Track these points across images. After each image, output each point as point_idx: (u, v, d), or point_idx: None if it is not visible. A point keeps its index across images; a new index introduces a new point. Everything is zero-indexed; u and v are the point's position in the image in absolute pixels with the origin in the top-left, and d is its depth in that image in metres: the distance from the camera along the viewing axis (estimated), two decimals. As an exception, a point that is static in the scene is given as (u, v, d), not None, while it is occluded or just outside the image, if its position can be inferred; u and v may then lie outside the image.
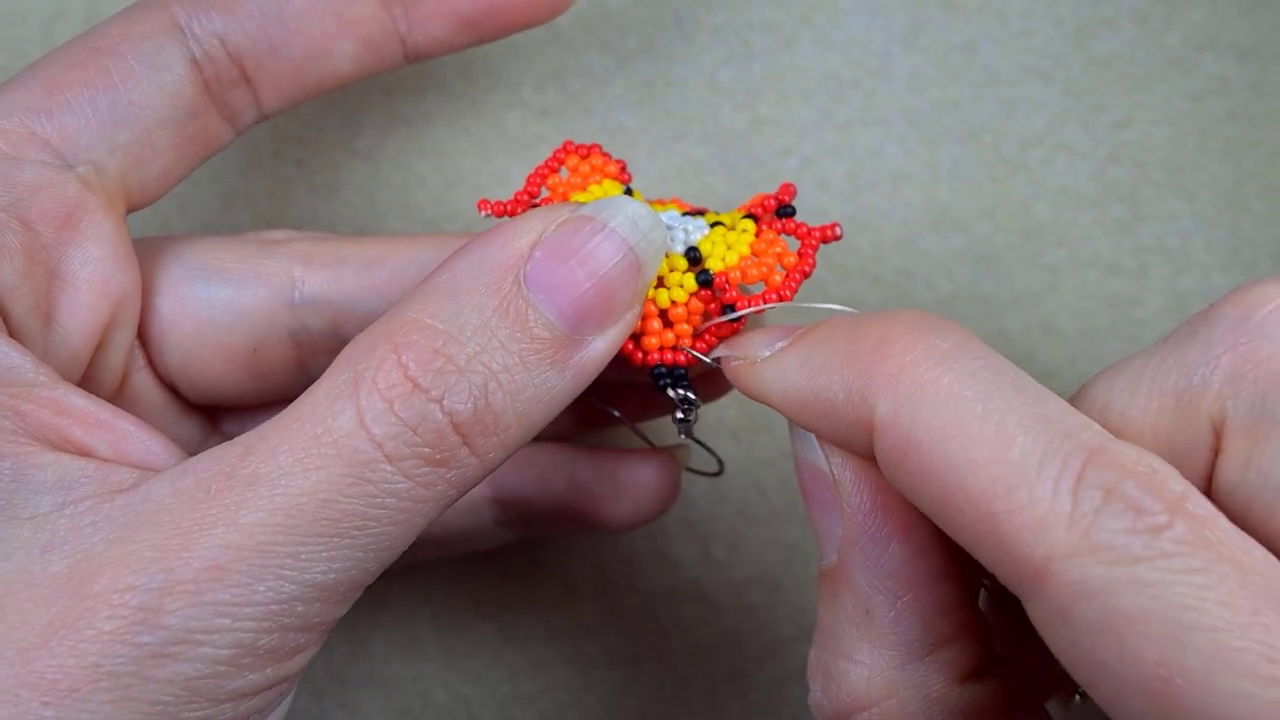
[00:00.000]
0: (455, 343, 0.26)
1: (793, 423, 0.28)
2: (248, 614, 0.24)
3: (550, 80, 0.41)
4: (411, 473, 0.25)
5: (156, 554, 0.24)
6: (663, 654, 0.41)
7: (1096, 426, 0.23)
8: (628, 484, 0.35)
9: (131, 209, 0.32)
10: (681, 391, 0.31)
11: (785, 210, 0.31)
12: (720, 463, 0.37)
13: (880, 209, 0.41)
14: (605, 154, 0.32)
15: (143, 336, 0.33)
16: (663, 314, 0.30)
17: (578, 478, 0.36)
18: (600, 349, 0.27)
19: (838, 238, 0.31)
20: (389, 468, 0.25)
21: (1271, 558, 0.22)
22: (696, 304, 0.30)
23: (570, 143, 0.32)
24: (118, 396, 0.32)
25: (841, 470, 0.27)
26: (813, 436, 0.28)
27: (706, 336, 0.30)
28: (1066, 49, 0.41)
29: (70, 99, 0.30)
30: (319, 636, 0.26)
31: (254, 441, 0.26)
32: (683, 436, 0.32)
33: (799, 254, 0.30)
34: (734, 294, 0.30)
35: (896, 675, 0.26)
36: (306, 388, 0.31)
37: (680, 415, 0.31)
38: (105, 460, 0.27)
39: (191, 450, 0.28)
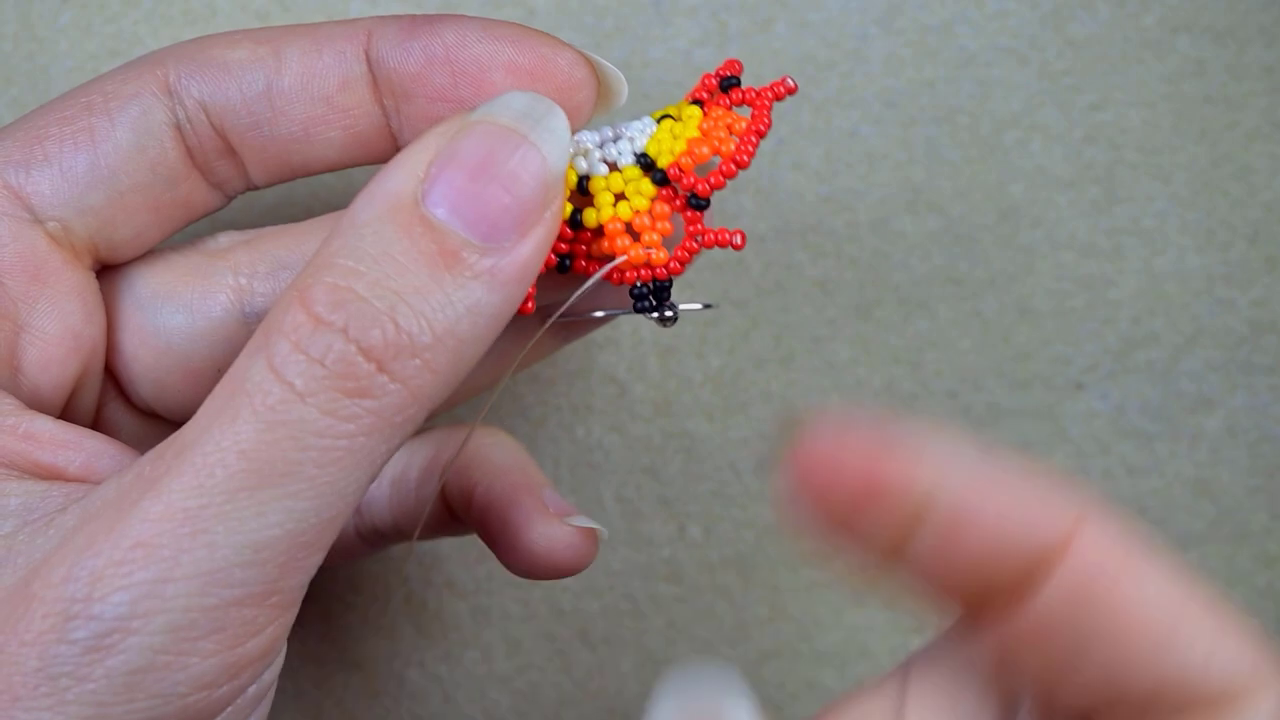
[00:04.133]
0: (355, 274, 0.25)
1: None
2: (176, 590, 0.23)
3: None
4: (328, 407, 0.24)
5: (85, 540, 0.24)
6: (638, 634, 0.41)
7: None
8: (534, 547, 0.33)
9: (100, 264, 0.31)
10: (667, 313, 0.29)
11: (729, 82, 0.29)
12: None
13: (856, 190, 0.41)
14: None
15: (109, 371, 0.32)
16: (629, 228, 0.29)
17: (479, 515, 0.33)
18: (525, 252, 0.26)
19: (792, 90, 0.29)
20: (303, 405, 0.24)
21: None
22: (661, 207, 0.29)
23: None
24: (94, 428, 0.32)
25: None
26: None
27: (687, 243, 0.29)
28: (1043, 31, 0.41)
29: (48, 155, 0.29)
30: (274, 613, 0.25)
31: (189, 421, 0.25)
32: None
33: (751, 115, 0.29)
34: (691, 180, 0.28)
35: None
36: None
37: (663, 323, 0.30)
38: (75, 479, 0.27)
39: None
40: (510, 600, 0.41)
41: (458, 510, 0.34)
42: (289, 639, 0.40)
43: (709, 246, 0.29)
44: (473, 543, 0.41)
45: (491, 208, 0.26)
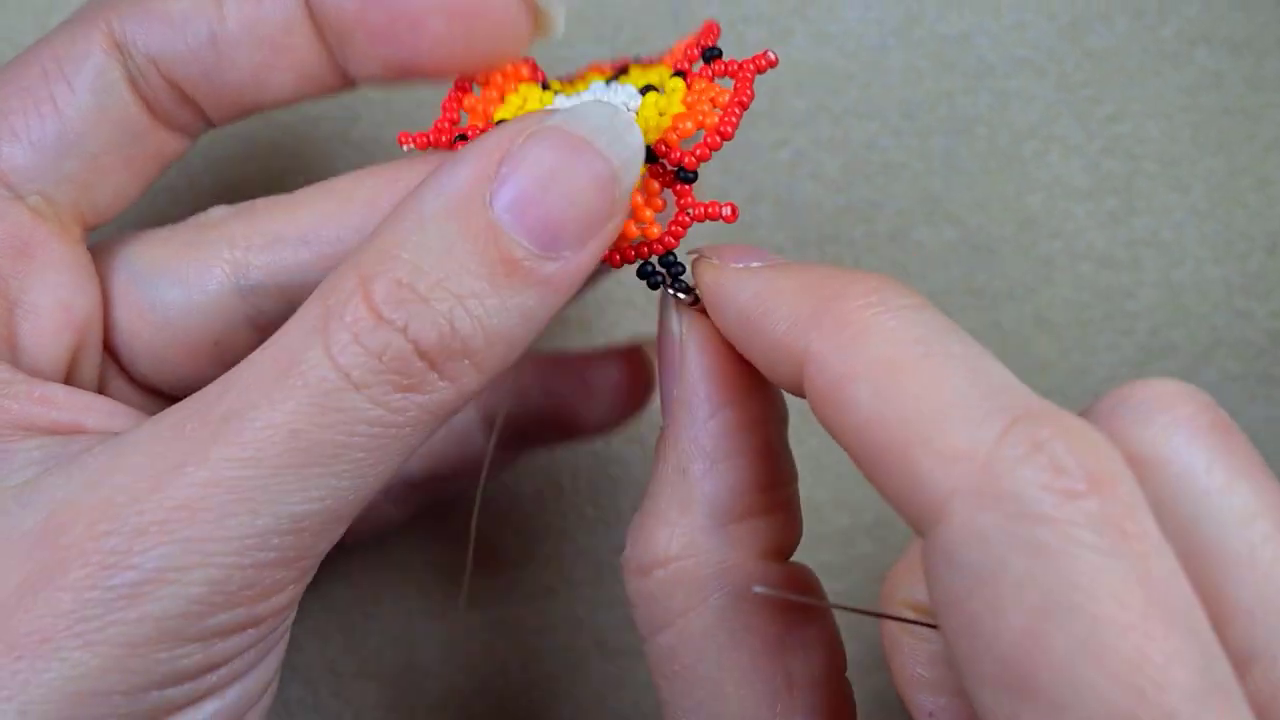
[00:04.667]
0: (418, 272, 0.25)
1: (726, 331, 0.27)
2: (218, 549, 0.24)
3: (544, 71, 0.41)
4: (380, 399, 0.25)
5: (127, 498, 0.24)
6: (655, 645, 0.41)
7: (1043, 400, 0.22)
8: (599, 387, 0.35)
9: (88, 229, 0.31)
10: (683, 281, 0.29)
11: (711, 54, 0.29)
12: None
13: (874, 201, 0.41)
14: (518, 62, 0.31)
15: (108, 348, 0.32)
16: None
17: (550, 386, 0.35)
18: (579, 262, 0.26)
19: (773, 63, 0.29)
20: (357, 395, 0.25)
21: (1185, 584, 0.20)
22: (652, 184, 0.29)
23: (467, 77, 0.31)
24: None
25: (689, 334, 0.28)
26: (673, 305, 0.28)
27: (679, 216, 0.29)
28: (1061, 42, 0.41)
29: (15, 130, 0.30)
30: (299, 574, 0.26)
31: (229, 380, 0.25)
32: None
33: (734, 88, 0.29)
34: (679, 154, 0.28)
35: (698, 538, 0.27)
36: None
37: (692, 299, 0.29)
38: (97, 433, 0.27)
39: None
40: (528, 611, 0.41)
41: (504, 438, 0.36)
42: (309, 651, 0.40)
43: (699, 220, 0.29)
44: (490, 554, 0.41)
45: (556, 218, 0.26)
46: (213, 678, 0.26)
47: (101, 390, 0.32)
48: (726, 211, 0.29)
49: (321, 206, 0.32)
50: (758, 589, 0.27)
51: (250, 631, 0.26)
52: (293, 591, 0.26)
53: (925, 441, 0.21)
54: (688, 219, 0.29)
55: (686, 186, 0.29)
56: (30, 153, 0.30)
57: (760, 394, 0.28)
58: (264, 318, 0.32)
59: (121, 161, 0.31)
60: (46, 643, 0.24)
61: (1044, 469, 0.20)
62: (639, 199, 0.29)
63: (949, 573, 0.21)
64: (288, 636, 0.28)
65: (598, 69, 0.31)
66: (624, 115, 0.27)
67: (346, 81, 0.32)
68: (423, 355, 0.25)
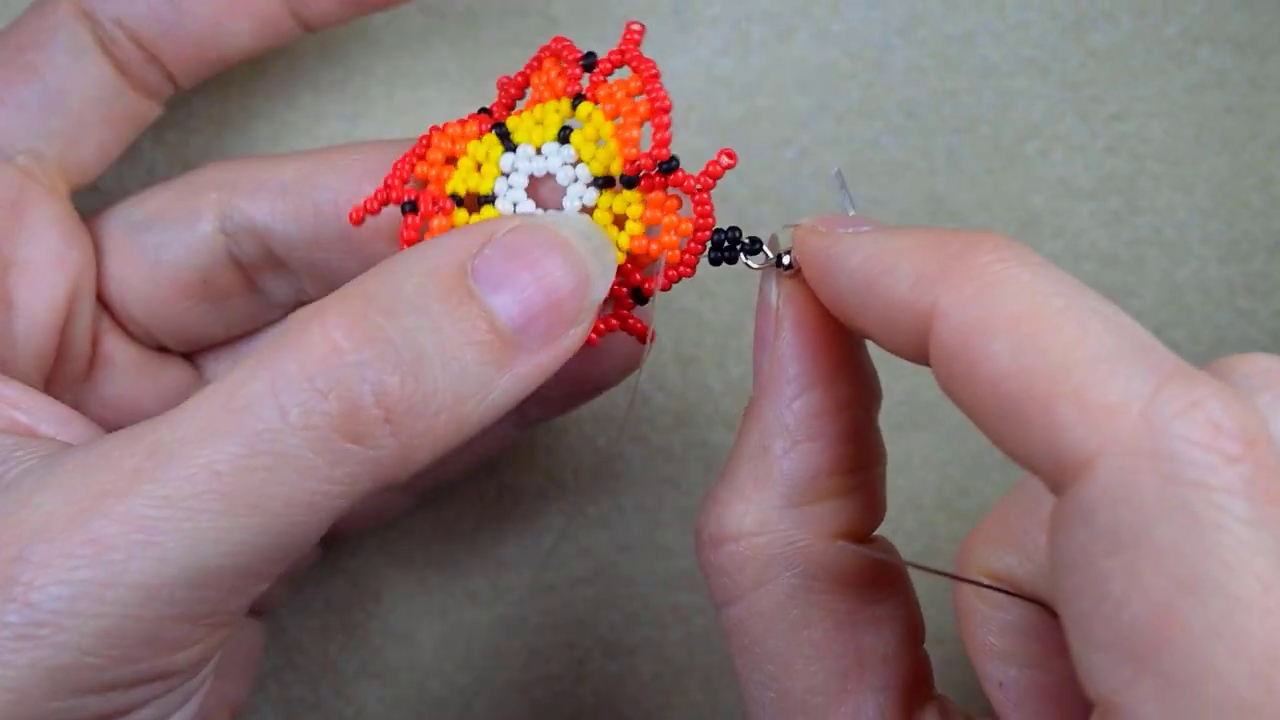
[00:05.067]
0: (389, 314, 0.24)
1: (836, 298, 0.26)
2: (116, 597, 0.23)
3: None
4: (318, 446, 0.23)
5: (41, 524, 0.23)
6: (658, 644, 0.41)
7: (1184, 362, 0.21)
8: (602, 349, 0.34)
9: (74, 188, 0.32)
10: (755, 248, 0.29)
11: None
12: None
13: (877, 200, 0.41)
14: (465, 120, 0.30)
15: (102, 300, 0.33)
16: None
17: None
18: (541, 361, 0.26)
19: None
20: (293, 438, 0.23)
21: None
22: (656, 198, 0.29)
23: (435, 128, 0.30)
24: (94, 362, 0.33)
25: (786, 307, 0.27)
26: (773, 277, 0.28)
27: (701, 198, 0.29)
28: (1064, 41, 0.41)
29: (2, 95, 0.31)
30: (208, 631, 0.24)
31: (170, 411, 0.24)
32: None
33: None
34: (644, 158, 0.29)
35: (772, 515, 0.26)
36: (265, 309, 0.32)
37: (785, 262, 0.28)
38: (48, 439, 0.27)
39: (177, 398, 0.27)
40: (531, 610, 0.41)
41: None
42: (311, 650, 0.40)
43: (709, 188, 0.29)
44: (492, 552, 0.41)
45: (530, 305, 0.26)
46: None
47: (95, 347, 0.33)
48: (724, 160, 0.29)
49: (304, 162, 0.33)
50: (841, 544, 0.27)
51: (155, 684, 0.24)
52: (203, 649, 0.25)
53: (1074, 393, 0.20)
54: (705, 196, 0.29)
55: (679, 174, 0.29)
56: (14, 114, 0.31)
57: (852, 376, 0.27)
58: (246, 256, 0.33)
59: (101, 119, 0.32)
60: None
61: (1203, 427, 0.19)
62: (659, 215, 0.29)
63: (1085, 531, 0.20)
64: (210, 681, 0.26)
65: (551, 87, 0.31)
66: (603, 234, 0.28)
67: (305, 25, 0.33)
68: (380, 401, 0.24)
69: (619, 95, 0.30)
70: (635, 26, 0.30)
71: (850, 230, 0.26)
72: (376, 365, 0.24)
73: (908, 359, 0.25)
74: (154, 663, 0.24)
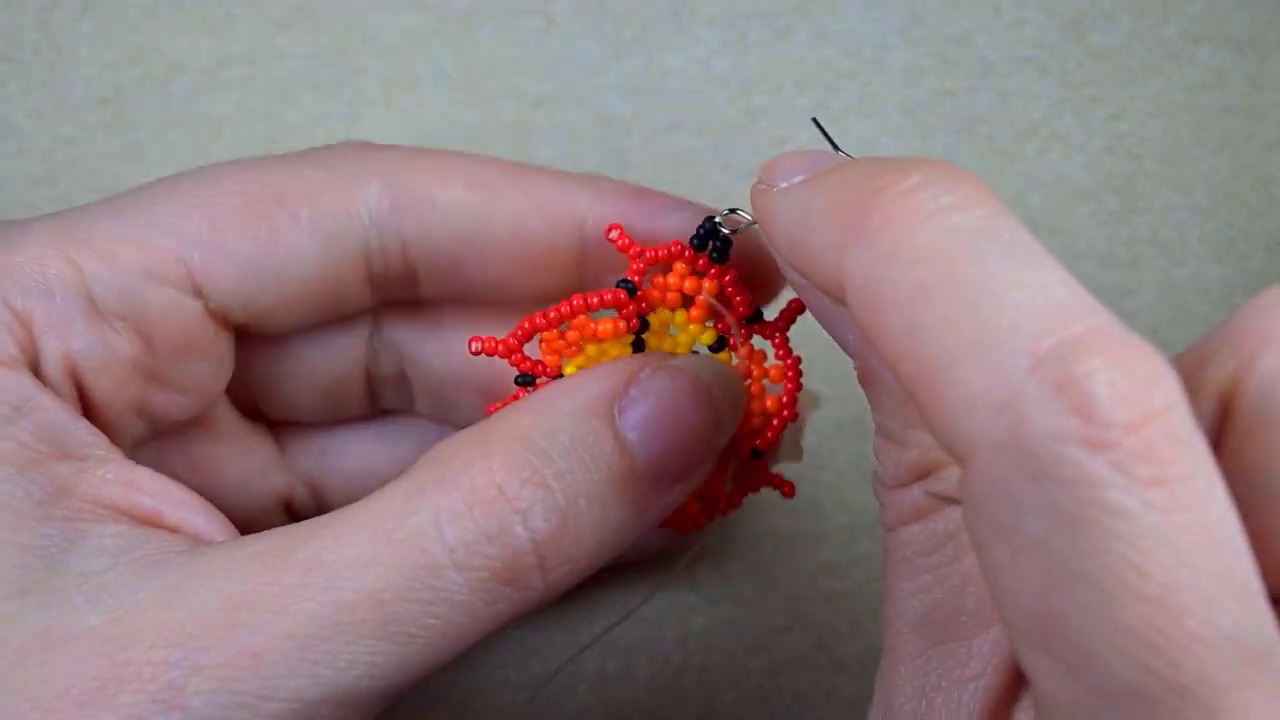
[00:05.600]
0: (546, 457, 0.25)
1: (790, 267, 0.25)
2: (270, 710, 0.23)
3: (545, 69, 0.41)
4: (477, 586, 0.24)
5: (197, 628, 0.23)
6: (654, 643, 0.41)
7: (1104, 310, 0.20)
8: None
9: (244, 336, 0.31)
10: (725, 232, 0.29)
11: (752, 320, 0.30)
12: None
13: (875, 200, 0.41)
14: (619, 309, 0.30)
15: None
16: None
17: None
18: (671, 499, 0.27)
19: (801, 310, 0.29)
20: (456, 576, 0.24)
21: (1232, 533, 0.18)
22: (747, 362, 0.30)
23: (579, 298, 0.29)
24: (191, 425, 0.32)
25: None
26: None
27: (789, 374, 0.30)
28: (1062, 41, 0.41)
29: (229, 246, 0.28)
30: None
31: (320, 526, 0.25)
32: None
33: (784, 367, 0.30)
34: (730, 322, 0.30)
35: (931, 455, 0.25)
36: (370, 409, 0.32)
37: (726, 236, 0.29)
38: (171, 528, 0.27)
39: (256, 469, 0.28)
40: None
41: None
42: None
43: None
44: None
45: (669, 449, 0.26)
46: None
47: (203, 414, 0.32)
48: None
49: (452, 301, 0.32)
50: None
51: None
52: None
53: (949, 385, 0.19)
54: (794, 370, 0.30)
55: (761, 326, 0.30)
56: (233, 274, 0.29)
57: None
58: (379, 369, 0.33)
59: (310, 309, 0.30)
60: None
61: (1067, 414, 0.18)
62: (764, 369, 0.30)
63: (975, 519, 0.20)
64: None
65: (673, 290, 0.30)
66: (736, 375, 0.28)
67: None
68: (535, 548, 0.25)
69: (756, 374, 0.30)
70: (796, 304, 0.30)
71: (785, 183, 0.24)
72: (534, 510, 0.25)
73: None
74: None
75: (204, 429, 0.32)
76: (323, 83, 0.41)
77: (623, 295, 0.29)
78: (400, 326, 0.32)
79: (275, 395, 0.33)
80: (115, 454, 0.27)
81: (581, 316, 0.29)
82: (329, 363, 0.32)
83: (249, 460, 0.33)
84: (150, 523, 0.27)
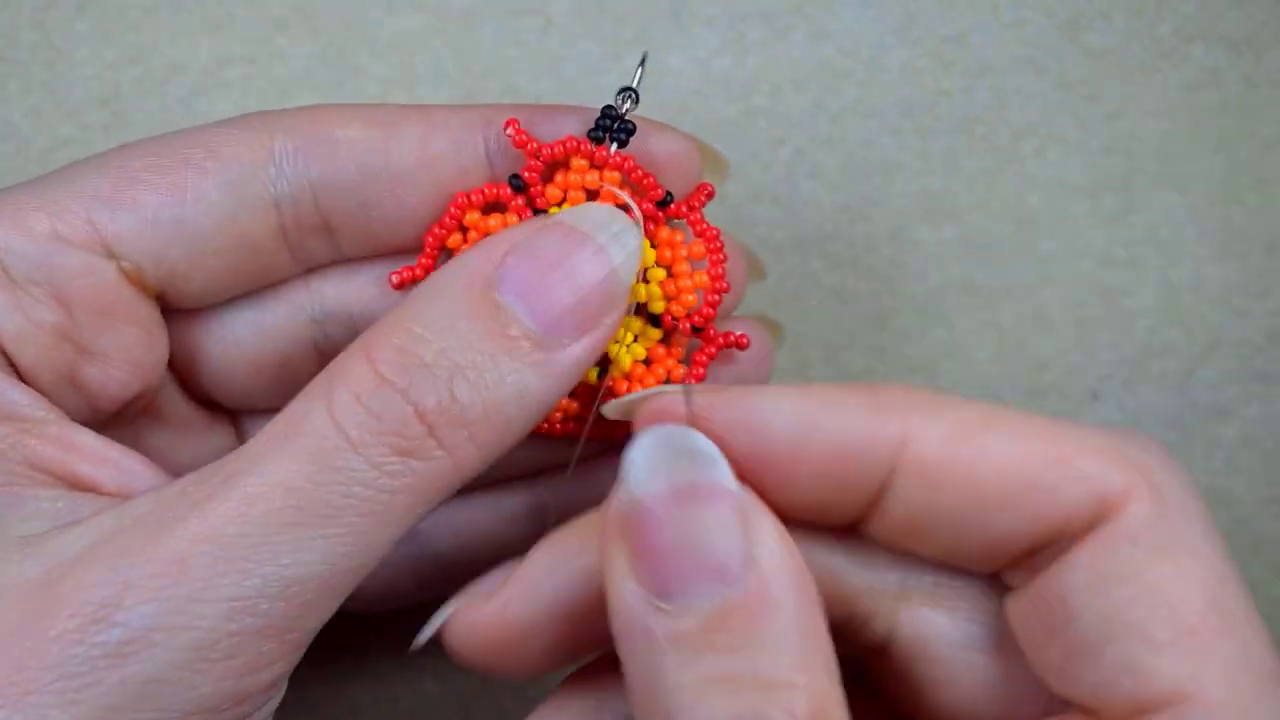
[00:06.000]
0: (422, 341, 0.26)
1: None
2: (205, 610, 0.24)
3: (544, 69, 0.41)
4: (378, 461, 0.25)
5: (123, 552, 0.24)
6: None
7: None
8: None
9: (168, 307, 0.31)
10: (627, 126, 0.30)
11: (663, 203, 0.30)
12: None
13: (873, 199, 0.41)
14: (508, 205, 0.30)
15: (171, 365, 0.32)
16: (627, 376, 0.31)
17: None
18: (577, 352, 0.27)
19: (712, 195, 0.31)
20: (355, 455, 0.25)
21: None
22: (662, 353, 0.31)
23: (462, 195, 0.30)
24: (143, 414, 0.32)
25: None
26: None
27: (698, 357, 0.31)
28: (1059, 40, 0.41)
29: (136, 200, 0.29)
30: (287, 650, 0.26)
31: (240, 449, 0.26)
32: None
33: (705, 245, 0.31)
34: (685, 321, 0.31)
35: None
36: None
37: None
38: (110, 494, 0.27)
39: (214, 458, 0.28)
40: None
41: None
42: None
43: (714, 357, 0.31)
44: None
45: (556, 304, 0.27)
46: None
47: (152, 401, 0.32)
48: (744, 341, 0.31)
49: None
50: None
51: (231, 712, 0.25)
52: (279, 670, 0.26)
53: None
54: (705, 361, 0.31)
55: (703, 333, 0.31)
56: (142, 227, 0.29)
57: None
58: (329, 342, 0.33)
59: (226, 266, 0.30)
60: (28, 695, 0.23)
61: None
62: (645, 368, 0.31)
63: (1130, 549, 0.25)
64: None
65: (577, 185, 0.31)
66: (623, 217, 0.29)
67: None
68: (422, 419, 0.26)
69: (682, 254, 0.31)
70: (709, 190, 0.31)
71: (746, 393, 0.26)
72: (416, 387, 0.26)
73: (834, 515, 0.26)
74: (237, 682, 0.25)
75: (155, 419, 0.32)
76: (322, 83, 0.41)
77: (506, 188, 0.30)
78: (342, 295, 0.32)
79: (225, 381, 0.33)
80: (55, 414, 0.28)
81: (474, 216, 0.30)
82: (272, 343, 0.32)
83: (205, 450, 0.33)
84: (90, 489, 0.27)
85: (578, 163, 0.30)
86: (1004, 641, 0.27)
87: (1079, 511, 0.25)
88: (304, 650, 0.26)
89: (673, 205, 0.30)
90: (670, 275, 0.31)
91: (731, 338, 0.31)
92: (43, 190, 0.29)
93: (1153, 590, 0.24)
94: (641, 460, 0.24)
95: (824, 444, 0.25)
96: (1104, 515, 0.25)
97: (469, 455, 0.27)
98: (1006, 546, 0.26)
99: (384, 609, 0.36)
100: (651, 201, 0.30)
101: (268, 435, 0.26)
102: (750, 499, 0.24)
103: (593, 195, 0.30)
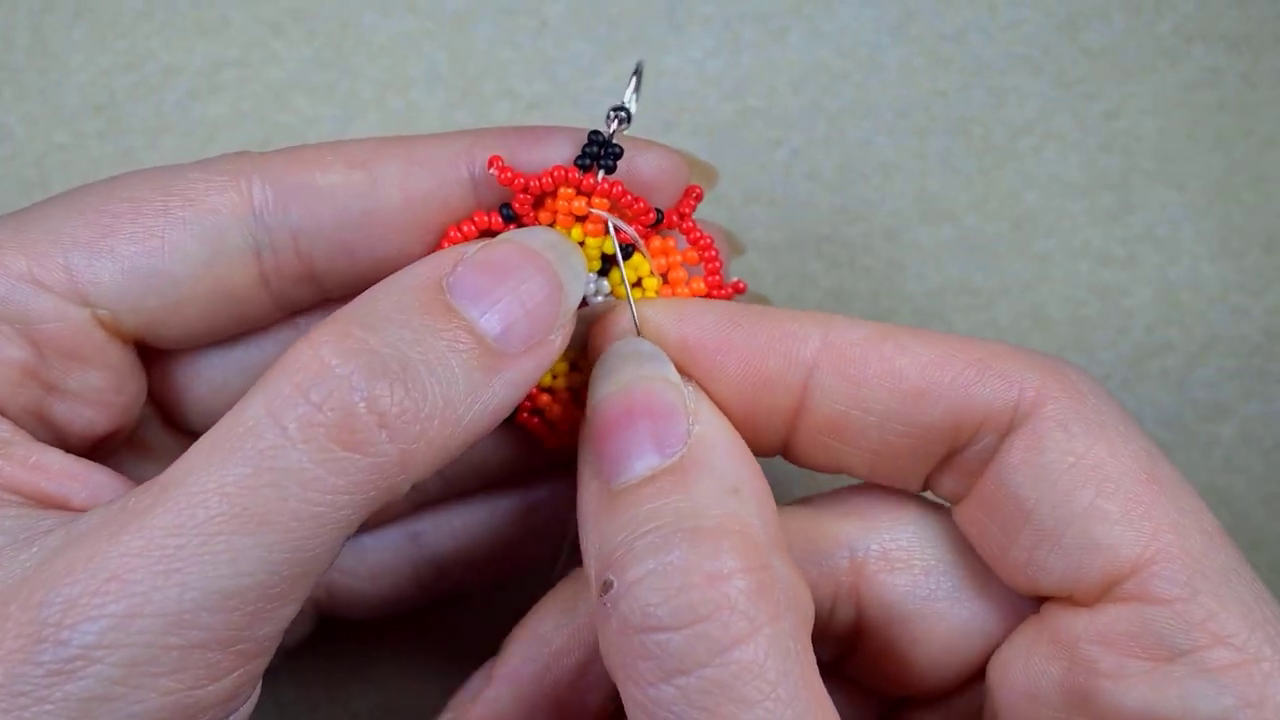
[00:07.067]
0: (373, 330, 0.25)
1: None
2: (145, 626, 0.23)
3: (539, 71, 0.41)
4: (319, 456, 0.24)
5: (66, 569, 0.24)
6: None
7: None
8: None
9: (148, 348, 0.31)
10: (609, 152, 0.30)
11: (654, 224, 0.31)
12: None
13: (870, 200, 0.41)
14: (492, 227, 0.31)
15: (154, 399, 0.32)
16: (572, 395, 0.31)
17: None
18: (526, 365, 0.27)
19: (700, 198, 0.31)
20: (294, 450, 0.24)
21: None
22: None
23: (453, 228, 0.30)
24: (125, 446, 0.32)
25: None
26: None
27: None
28: (1057, 39, 0.41)
29: (114, 249, 0.28)
30: (238, 660, 0.25)
31: (184, 457, 0.25)
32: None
33: (701, 253, 0.31)
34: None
35: None
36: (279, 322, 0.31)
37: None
38: (81, 509, 0.27)
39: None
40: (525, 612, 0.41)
41: None
42: (301, 654, 0.40)
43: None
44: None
45: (507, 314, 0.27)
46: None
47: (133, 434, 0.32)
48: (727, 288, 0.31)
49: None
50: None
51: None
52: (235, 680, 0.25)
53: None
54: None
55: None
56: (118, 277, 0.28)
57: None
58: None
59: (204, 314, 0.30)
60: None
61: None
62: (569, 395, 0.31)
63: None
64: None
65: (569, 214, 0.31)
66: (569, 242, 0.29)
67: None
68: (372, 407, 0.25)
69: (677, 259, 0.31)
70: (697, 193, 0.31)
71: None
72: (365, 374, 0.25)
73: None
74: (185, 695, 0.24)
75: (138, 450, 0.32)
76: (317, 85, 0.41)
77: (497, 218, 0.30)
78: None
79: (211, 418, 0.31)
80: (21, 435, 0.28)
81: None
82: (252, 381, 0.32)
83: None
84: (60, 506, 0.27)
85: (565, 191, 0.30)
86: (962, 578, 0.29)
87: (1000, 405, 0.27)
88: (266, 657, 0.26)
89: (664, 219, 0.30)
90: (666, 282, 0.31)
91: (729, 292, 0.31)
92: (22, 231, 0.28)
93: (1095, 470, 0.27)
94: (599, 371, 0.28)
95: (750, 341, 0.28)
96: (1026, 412, 0.27)
97: (419, 453, 0.25)
98: (930, 445, 0.28)
99: (387, 614, 0.37)
100: (643, 225, 0.30)
101: (207, 438, 0.25)
102: (692, 387, 0.28)
103: (582, 221, 0.30)
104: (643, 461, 0.26)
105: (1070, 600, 0.27)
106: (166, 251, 0.29)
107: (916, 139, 0.41)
